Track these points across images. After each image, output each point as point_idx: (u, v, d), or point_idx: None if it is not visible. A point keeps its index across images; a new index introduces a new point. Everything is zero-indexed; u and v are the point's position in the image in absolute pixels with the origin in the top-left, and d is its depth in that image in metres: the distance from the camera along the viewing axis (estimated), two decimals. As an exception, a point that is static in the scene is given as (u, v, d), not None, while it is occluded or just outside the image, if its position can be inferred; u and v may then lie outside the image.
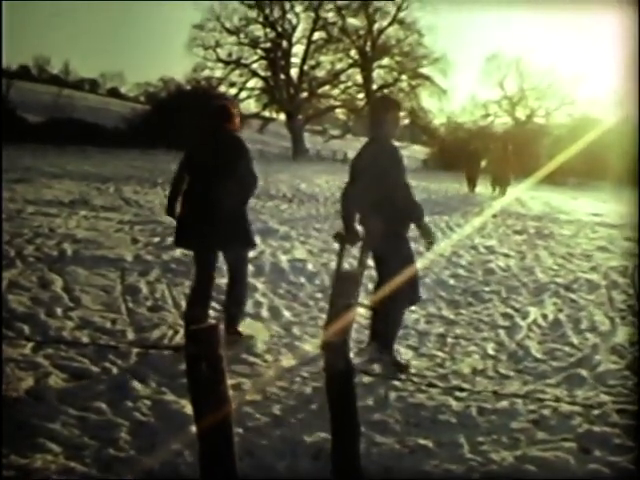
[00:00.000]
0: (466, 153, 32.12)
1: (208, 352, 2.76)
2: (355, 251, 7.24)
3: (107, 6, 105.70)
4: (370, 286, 7.20)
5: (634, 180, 39.23)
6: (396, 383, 5.36)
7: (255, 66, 56.91)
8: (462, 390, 5.30)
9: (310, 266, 9.88)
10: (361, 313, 6.63)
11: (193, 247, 6.55)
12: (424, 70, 57.15)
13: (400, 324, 6.29)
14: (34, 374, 5.12)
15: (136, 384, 5.10)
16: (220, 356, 2.78)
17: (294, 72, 56.44)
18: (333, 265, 9.93)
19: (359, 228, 6.27)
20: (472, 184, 28.47)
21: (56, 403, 4.70)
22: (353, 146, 60.74)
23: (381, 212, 5.86)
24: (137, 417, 4.58)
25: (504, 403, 5.06)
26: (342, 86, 57.73)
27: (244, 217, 6.40)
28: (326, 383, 3.06)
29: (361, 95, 57.76)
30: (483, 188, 28.53)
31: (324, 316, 7.40)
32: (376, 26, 56.85)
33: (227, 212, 6.20)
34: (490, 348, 6.63)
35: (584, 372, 5.91)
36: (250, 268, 9.37)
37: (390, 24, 56.59)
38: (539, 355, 6.46)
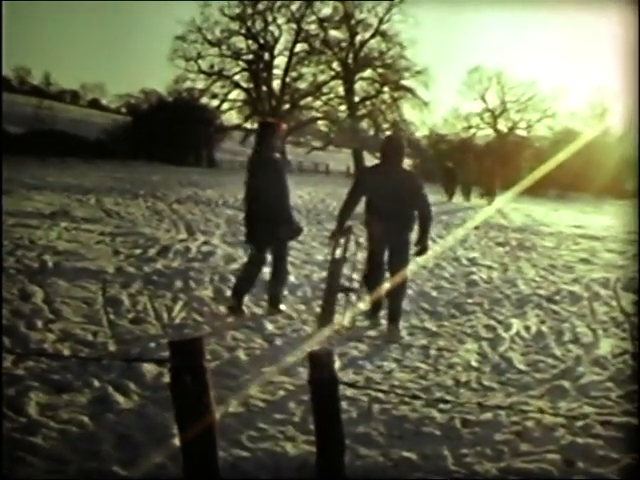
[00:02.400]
0: (444, 168, 34.17)
1: (192, 364, 2.74)
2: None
3: (88, 17, 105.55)
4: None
5: (615, 192, 39.57)
6: (379, 395, 5.33)
7: (237, 78, 57.17)
8: (446, 402, 5.29)
9: (292, 278, 9.85)
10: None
11: None
12: (406, 82, 57.53)
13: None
14: (15, 387, 5.06)
15: (118, 397, 5.05)
16: (204, 368, 2.76)
17: (276, 84, 56.74)
18: (315, 277, 9.98)
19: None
20: (450, 194, 30.80)
21: (37, 416, 4.65)
22: (335, 158, 61.11)
23: (400, 221, 7.63)
24: (120, 430, 4.54)
25: (488, 415, 5.05)
26: (324, 98, 57.97)
27: None
28: (311, 395, 3.04)
29: (343, 107, 57.96)
30: (458, 197, 30.45)
31: (307, 328, 7.41)
32: (358, 38, 57.21)
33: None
34: (473, 360, 6.63)
35: (567, 384, 5.91)
36: (232, 280, 9.40)
37: (372, 36, 56.94)
38: (522, 367, 6.47)
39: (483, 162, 33.95)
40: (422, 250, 7.83)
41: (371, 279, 7.85)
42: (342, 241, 7.73)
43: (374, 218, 7.65)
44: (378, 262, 7.81)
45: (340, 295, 7.93)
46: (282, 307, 8.07)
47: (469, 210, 24.86)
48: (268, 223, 7.69)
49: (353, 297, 8.01)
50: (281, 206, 7.79)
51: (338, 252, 7.73)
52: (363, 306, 7.97)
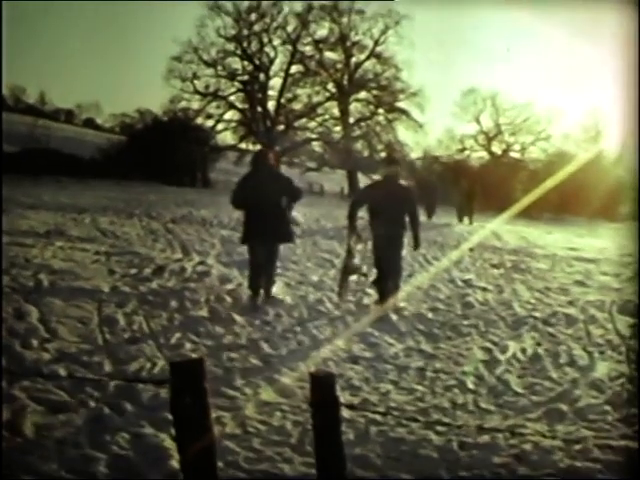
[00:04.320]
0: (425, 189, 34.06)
1: (193, 385, 2.73)
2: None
3: (84, 37, 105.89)
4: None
5: (609, 215, 39.68)
6: (376, 417, 5.32)
7: (232, 98, 57.10)
8: (443, 424, 5.27)
9: (288, 299, 9.85)
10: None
11: None
12: (401, 104, 57.56)
13: None
14: (10, 407, 5.03)
15: (114, 417, 5.03)
16: (205, 389, 2.75)
17: (271, 105, 56.69)
18: (311, 298, 9.97)
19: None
20: (429, 213, 30.79)
21: (33, 436, 4.62)
22: (329, 178, 61.14)
23: (398, 223, 9.96)
24: (115, 450, 4.52)
25: (485, 437, 5.04)
26: (319, 119, 57.94)
27: None
28: (312, 417, 3.03)
29: (338, 128, 58.06)
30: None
31: (304, 350, 7.39)
32: (353, 60, 57.35)
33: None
34: (470, 382, 6.62)
35: (564, 407, 5.90)
36: (227, 300, 9.40)
37: (367, 58, 57.10)
38: (519, 389, 6.46)
39: (460, 183, 34.20)
40: (416, 246, 10.50)
41: (380, 269, 10.03)
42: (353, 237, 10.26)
43: (376, 220, 9.96)
44: (381, 255, 9.96)
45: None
46: (274, 293, 9.78)
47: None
48: (265, 227, 9.48)
49: (362, 277, 10.59)
50: (279, 214, 9.63)
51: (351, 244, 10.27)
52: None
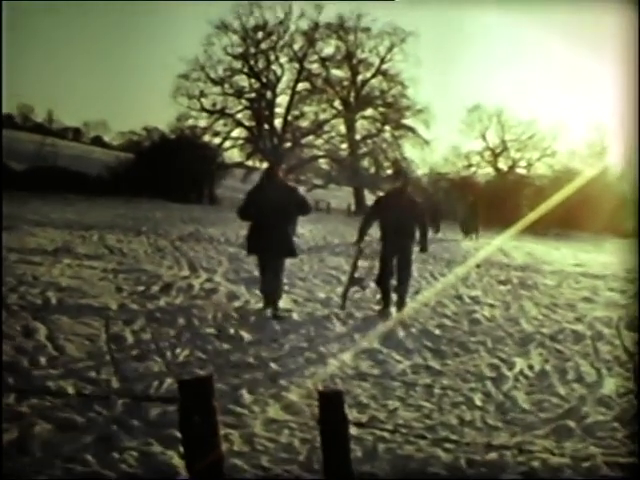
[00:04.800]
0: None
1: (202, 404, 2.74)
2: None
3: (92, 55, 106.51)
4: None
5: (616, 230, 39.62)
6: (384, 434, 5.31)
7: (239, 116, 57.33)
8: (451, 441, 5.26)
9: (295, 315, 9.86)
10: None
11: None
12: (407, 121, 57.76)
13: None
14: (18, 424, 5.04)
15: (122, 435, 5.03)
16: (214, 407, 2.76)
17: (278, 122, 56.88)
18: (318, 315, 9.98)
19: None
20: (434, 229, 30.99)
21: (41, 454, 4.63)
22: (336, 195, 61.19)
23: (408, 233, 10.67)
24: (124, 468, 4.52)
25: (493, 454, 5.03)
26: (325, 136, 58.11)
27: None
28: (320, 435, 3.03)
29: (344, 145, 58.18)
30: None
31: (311, 367, 7.39)
32: (360, 77, 57.60)
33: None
34: (477, 399, 6.61)
35: (572, 423, 5.89)
36: (235, 317, 9.41)
37: (374, 76, 57.35)
38: (527, 406, 6.45)
39: (465, 199, 34.49)
40: (423, 249, 11.07)
41: (382, 279, 10.65)
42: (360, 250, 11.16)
43: (386, 231, 10.69)
44: (388, 265, 10.62)
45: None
46: (281, 308, 9.98)
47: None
48: (268, 241, 9.73)
49: (366, 288, 11.38)
50: (283, 228, 9.80)
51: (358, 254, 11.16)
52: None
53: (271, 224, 9.68)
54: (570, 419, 6.02)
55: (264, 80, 56.33)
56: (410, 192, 11.47)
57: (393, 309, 10.64)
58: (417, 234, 10.81)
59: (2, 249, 12.98)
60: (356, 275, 11.15)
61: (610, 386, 7.18)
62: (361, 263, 11.54)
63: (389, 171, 55.27)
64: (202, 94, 55.85)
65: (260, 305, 10.20)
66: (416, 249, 10.98)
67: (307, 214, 10.35)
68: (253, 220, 10.01)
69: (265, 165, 56.46)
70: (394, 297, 10.75)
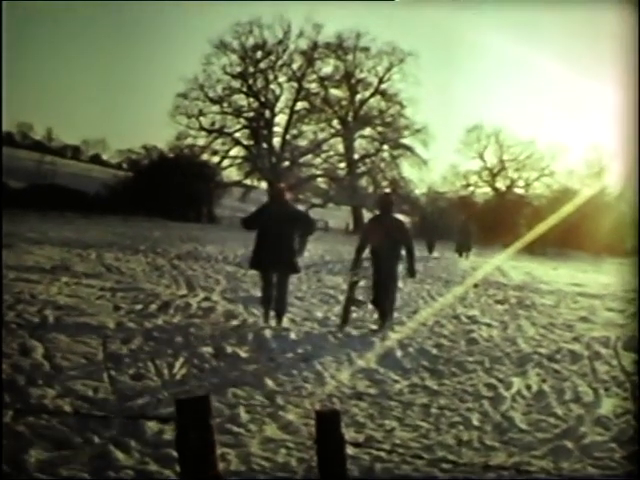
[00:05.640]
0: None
1: (199, 423, 2.74)
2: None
3: (90, 73, 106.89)
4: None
5: (614, 250, 39.70)
6: (381, 454, 5.30)
7: (238, 135, 57.66)
8: (448, 462, 5.25)
9: (293, 335, 9.85)
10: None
11: None
12: (405, 140, 58.08)
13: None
14: (15, 443, 5.03)
15: (119, 454, 5.02)
16: (211, 427, 2.76)
17: (276, 141, 57.21)
18: (315, 334, 9.97)
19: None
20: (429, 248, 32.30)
21: (37, 473, 4.62)
22: (334, 215, 61.28)
23: (393, 254, 11.06)
24: (120, 488, 4.51)
25: (491, 475, 5.02)
26: (324, 155, 58.36)
27: None
28: (317, 455, 3.03)
29: (342, 164, 58.36)
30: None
31: (308, 386, 7.38)
32: (358, 97, 57.98)
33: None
34: (475, 419, 6.59)
35: (570, 444, 5.87)
36: (232, 336, 9.40)
37: (372, 95, 57.71)
38: (524, 426, 6.43)
39: (457, 218, 35.03)
40: (410, 274, 11.47)
41: (378, 299, 11.01)
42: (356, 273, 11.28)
43: (374, 253, 11.08)
44: (381, 285, 10.96)
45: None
46: (284, 322, 10.46)
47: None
48: (272, 256, 10.24)
49: (362, 308, 11.54)
50: (286, 245, 10.32)
51: (354, 279, 11.24)
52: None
53: (275, 240, 10.20)
54: (568, 439, 6.01)
55: (263, 99, 56.62)
56: (395, 214, 12.02)
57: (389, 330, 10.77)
58: (403, 253, 11.23)
59: (2, 268, 12.96)
60: (356, 297, 11.29)
61: (608, 406, 7.17)
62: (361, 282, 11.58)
63: (386, 191, 55.51)
64: (201, 113, 56.18)
65: (257, 322, 10.24)
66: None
67: (312, 232, 10.99)
68: (258, 235, 10.43)
69: (264, 184, 56.84)
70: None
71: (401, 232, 11.19)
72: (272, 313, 10.49)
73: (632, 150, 34.33)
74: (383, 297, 10.98)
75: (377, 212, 12.43)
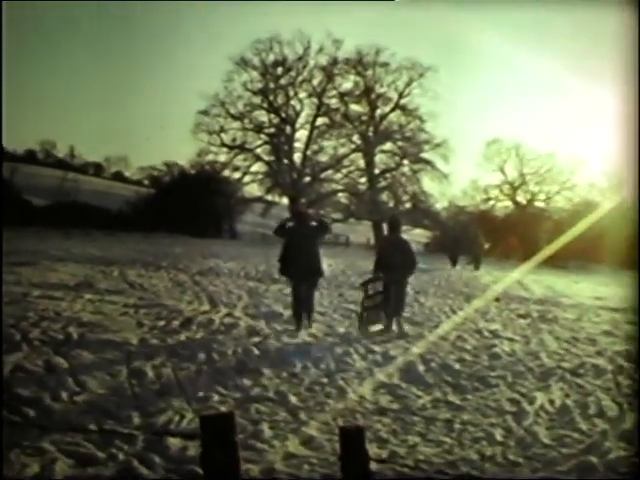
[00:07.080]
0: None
1: (223, 439, 2.76)
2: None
3: (112, 91, 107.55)
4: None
5: (635, 263, 39.36)
6: (405, 470, 5.30)
7: (259, 151, 57.69)
8: (471, 477, 5.24)
9: (315, 350, 9.86)
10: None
11: None
12: (426, 155, 57.86)
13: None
14: (40, 460, 5.07)
15: (143, 470, 5.05)
16: (235, 443, 2.78)
17: (297, 157, 57.18)
18: (338, 349, 9.97)
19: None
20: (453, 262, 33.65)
21: (63, 490, 4.65)
22: (355, 230, 61.24)
23: (405, 268, 12.49)
24: (145, 504, 4.53)
25: (515, 491, 5.00)
26: (344, 170, 58.30)
27: None
28: (341, 471, 3.04)
29: (363, 179, 58.33)
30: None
31: (330, 402, 7.39)
32: (378, 112, 57.89)
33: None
34: (498, 434, 6.57)
35: (594, 459, 5.84)
36: (255, 352, 9.43)
37: (392, 110, 57.64)
38: (548, 441, 6.40)
39: (468, 230, 35.55)
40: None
41: (389, 309, 12.26)
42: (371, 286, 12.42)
43: (384, 269, 12.43)
44: (391, 297, 12.26)
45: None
46: (312, 327, 11.69)
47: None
48: (304, 269, 11.66)
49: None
50: (312, 252, 11.79)
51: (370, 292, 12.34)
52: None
53: (303, 254, 11.63)
54: (592, 455, 5.97)
55: (283, 115, 56.71)
56: (400, 234, 13.51)
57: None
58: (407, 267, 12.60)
59: (2, 283, 12.96)
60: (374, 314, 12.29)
61: (632, 421, 7.12)
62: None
63: (408, 205, 55.56)
64: (222, 129, 56.32)
65: (281, 337, 10.35)
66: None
67: (327, 231, 13.15)
68: (285, 246, 11.94)
69: (285, 200, 56.93)
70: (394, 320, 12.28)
71: (404, 250, 12.64)
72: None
73: (634, 161, 34.18)
74: (388, 303, 12.22)
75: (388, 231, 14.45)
